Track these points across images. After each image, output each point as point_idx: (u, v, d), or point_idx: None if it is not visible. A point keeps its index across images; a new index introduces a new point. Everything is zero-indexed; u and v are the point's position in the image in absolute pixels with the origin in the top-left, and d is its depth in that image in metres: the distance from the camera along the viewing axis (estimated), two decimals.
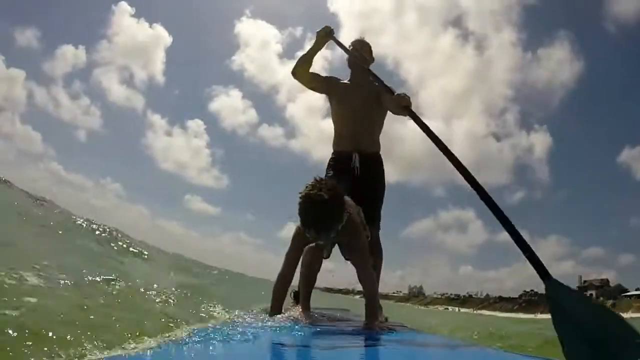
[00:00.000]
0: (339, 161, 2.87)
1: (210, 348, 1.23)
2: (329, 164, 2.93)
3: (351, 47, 2.92)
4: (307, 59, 2.84)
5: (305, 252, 2.29)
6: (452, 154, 2.01)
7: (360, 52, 2.92)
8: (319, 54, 2.87)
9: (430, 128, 2.19)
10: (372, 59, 3.02)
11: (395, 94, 2.50)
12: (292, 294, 2.64)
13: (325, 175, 2.82)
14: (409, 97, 2.43)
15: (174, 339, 1.55)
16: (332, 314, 2.81)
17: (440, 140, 2.09)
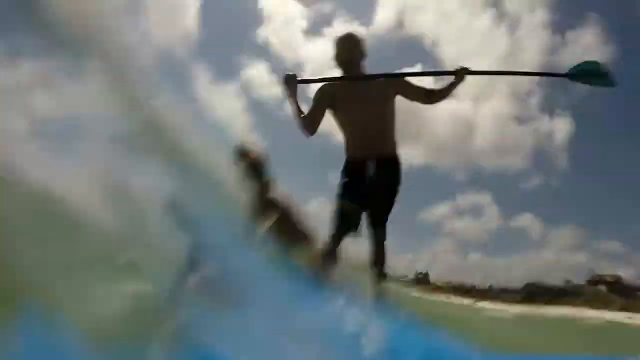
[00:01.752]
0: (352, 170, 2.77)
1: None
2: (342, 170, 2.81)
3: (336, 46, 2.78)
4: (303, 119, 2.73)
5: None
6: (519, 72, 3.32)
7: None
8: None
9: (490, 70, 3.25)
10: (364, 54, 2.81)
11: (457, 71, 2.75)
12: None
13: (340, 182, 2.78)
14: (465, 68, 2.77)
15: None
16: None
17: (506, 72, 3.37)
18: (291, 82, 2.67)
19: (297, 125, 2.72)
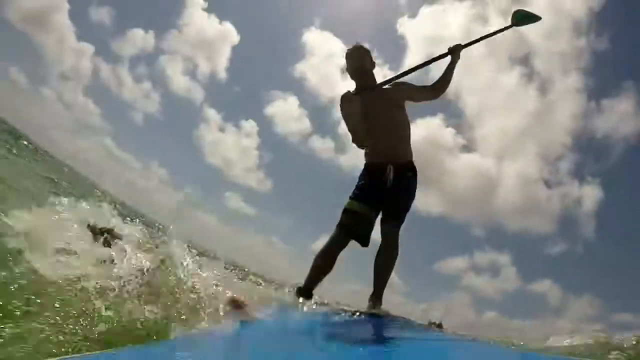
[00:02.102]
0: (372, 172, 2.83)
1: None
2: (361, 174, 2.90)
3: (347, 59, 2.94)
4: (358, 130, 2.84)
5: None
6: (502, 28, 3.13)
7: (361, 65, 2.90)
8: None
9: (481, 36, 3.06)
10: (373, 65, 2.97)
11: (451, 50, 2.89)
12: (295, 289, 2.71)
13: (357, 184, 2.87)
14: (458, 45, 2.91)
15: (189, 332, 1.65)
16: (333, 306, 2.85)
17: (494, 32, 3.11)
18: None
19: (355, 141, 2.85)
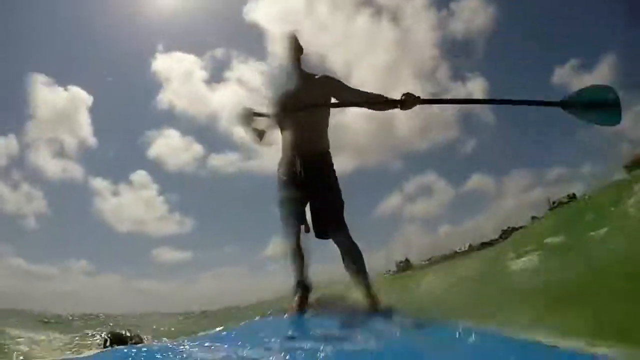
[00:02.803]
0: (284, 165, 2.93)
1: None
2: (277, 168, 2.99)
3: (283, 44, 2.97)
4: (258, 140, 2.94)
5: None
6: (475, 100, 3.08)
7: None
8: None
9: (442, 99, 2.94)
10: (301, 50, 3.01)
11: (393, 101, 2.78)
12: (295, 284, 2.80)
13: (278, 179, 2.95)
14: (411, 96, 2.74)
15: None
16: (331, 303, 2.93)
17: (461, 100, 2.97)
18: (247, 119, 2.87)
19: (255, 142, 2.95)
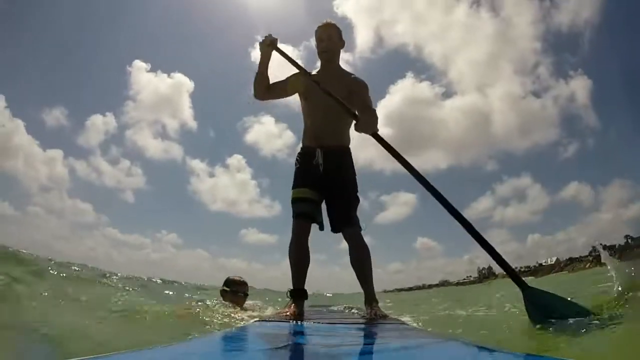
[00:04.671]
0: (304, 156, 2.86)
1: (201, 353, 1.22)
2: (296, 158, 2.92)
3: (316, 35, 2.88)
4: (260, 78, 2.86)
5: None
6: (415, 171, 2.49)
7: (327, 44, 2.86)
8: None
9: (393, 147, 2.54)
10: (343, 43, 2.94)
11: (362, 115, 2.57)
12: (288, 292, 2.69)
13: (294, 174, 2.88)
14: (376, 120, 2.57)
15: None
16: (332, 311, 2.88)
17: (404, 160, 2.52)
18: (271, 45, 2.79)
19: (255, 80, 2.85)
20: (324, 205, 2.81)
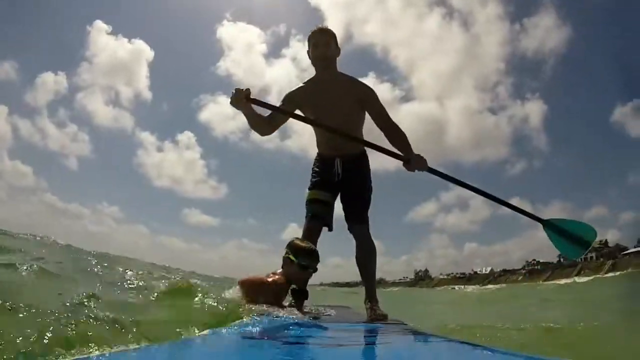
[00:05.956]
0: (323, 163, 2.92)
1: (206, 347, 1.26)
2: (313, 167, 2.96)
3: (311, 41, 2.77)
4: (254, 121, 2.64)
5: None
6: (478, 189, 2.74)
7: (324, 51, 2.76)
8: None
9: (449, 175, 2.69)
10: (339, 50, 2.84)
11: (411, 157, 2.55)
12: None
13: (311, 177, 2.92)
14: (425, 160, 2.55)
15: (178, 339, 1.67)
16: (332, 311, 2.87)
17: (463, 183, 2.71)
18: (246, 101, 2.51)
19: (251, 126, 2.65)
20: (338, 204, 2.92)
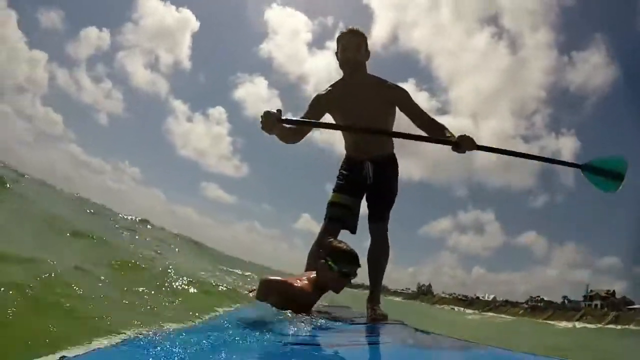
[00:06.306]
0: (352, 165, 2.87)
1: (205, 342, 1.20)
2: (340, 169, 2.92)
3: (340, 42, 2.70)
4: (286, 138, 2.56)
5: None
6: (526, 154, 2.75)
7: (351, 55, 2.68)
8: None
9: (497, 147, 2.57)
10: (368, 54, 2.76)
11: (459, 140, 2.42)
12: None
13: (337, 179, 2.88)
14: (472, 139, 2.43)
15: (180, 327, 1.61)
16: (333, 311, 2.85)
17: (510, 151, 2.67)
18: (277, 122, 2.34)
19: (282, 140, 2.54)
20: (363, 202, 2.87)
